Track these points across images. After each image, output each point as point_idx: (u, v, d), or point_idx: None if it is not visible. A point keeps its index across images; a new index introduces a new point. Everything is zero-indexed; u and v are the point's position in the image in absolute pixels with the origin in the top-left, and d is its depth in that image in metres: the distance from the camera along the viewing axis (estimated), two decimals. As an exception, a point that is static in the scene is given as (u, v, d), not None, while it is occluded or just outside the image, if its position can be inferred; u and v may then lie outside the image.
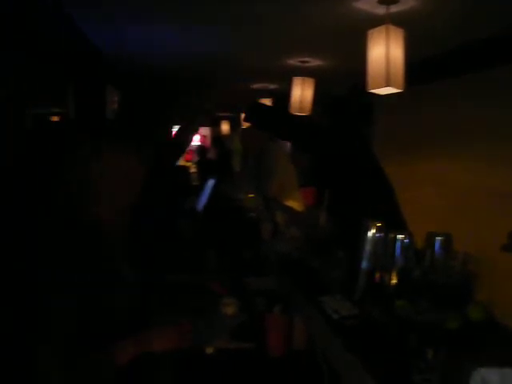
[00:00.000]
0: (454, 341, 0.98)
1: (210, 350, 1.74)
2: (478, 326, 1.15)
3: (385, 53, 2.32)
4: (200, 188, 4.67)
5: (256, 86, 5.59)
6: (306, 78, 3.94)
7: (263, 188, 3.47)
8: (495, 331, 1.19)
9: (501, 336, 1.17)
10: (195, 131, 4.66)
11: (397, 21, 2.39)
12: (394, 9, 2.44)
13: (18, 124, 3.29)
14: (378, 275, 1.49)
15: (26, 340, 1.10)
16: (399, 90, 2.40)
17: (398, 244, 1.45)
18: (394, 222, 1.58)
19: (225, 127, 9.12)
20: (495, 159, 3.33)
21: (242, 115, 6.61)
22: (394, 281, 1.44)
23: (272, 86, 5.52)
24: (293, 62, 4.05)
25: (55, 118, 8.74)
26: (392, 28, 2.35)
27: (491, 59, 3.29)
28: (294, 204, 3.56)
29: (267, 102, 5.39)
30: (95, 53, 4.05)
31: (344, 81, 3.88)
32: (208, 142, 11.25)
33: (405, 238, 1.44)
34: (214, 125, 9.85)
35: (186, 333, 1.36)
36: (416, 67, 3.43)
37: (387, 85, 2.35)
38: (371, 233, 1.48)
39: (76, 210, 1.24)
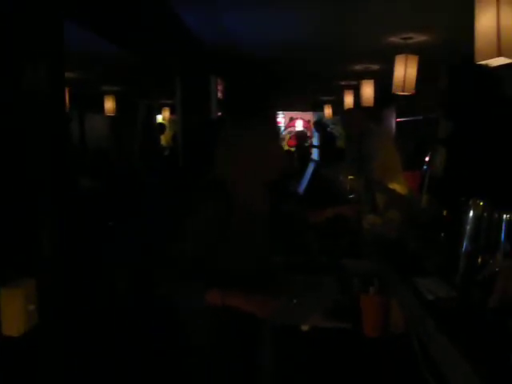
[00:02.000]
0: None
1: (305, 328, 1.77)
2: None
3: (495, 20, 2.14)
4: (301, 172, 4.71)
5: (358, 67, 5.46)
6: (409, 55, 3.77)
7: (365, 170, 3.40)
8: None
9: None
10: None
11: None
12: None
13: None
14: (480, 258, 1.40)
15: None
16: (512, 61, 2.20)
17: (504, 224, 1.35)
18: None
19: (327, 111, 9.03)
20: None
21: (346, 97, 6.49)
22: (498, 265, 1.35)
23: (374, 67, 5.36)
24: (395, 39, 3.90)
25: (167, 109, 9.25)
26: (504, -9, 2.15)
27: None
28: (397, 187, 3.45)
29: (369, 83, 5.25)
30: (198, 43, 4.24)
31: (450, 56, 3.63)
32: (311, 126, 11.24)
33: (511, 218, 1.34)
34: (317, 109, 9.80)
35: (268, 306, 1.51)
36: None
37: (499, 55, 2.16)
38: (473, 212, 1.40)
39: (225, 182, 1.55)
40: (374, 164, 3.63)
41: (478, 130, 2.03)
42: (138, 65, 4.68)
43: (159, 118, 10.09)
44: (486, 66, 2.17)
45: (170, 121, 9.62)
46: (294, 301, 1.93)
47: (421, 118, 6.15)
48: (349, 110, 4.75)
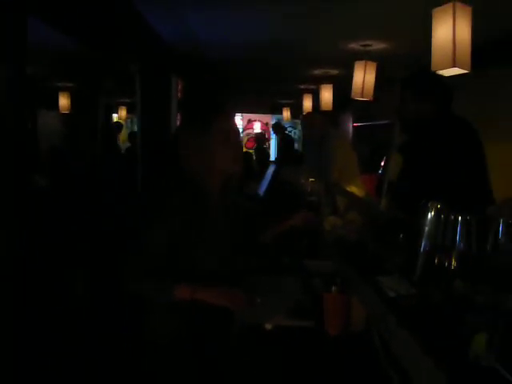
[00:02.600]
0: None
1: (268, 326, 1.80)
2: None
3: (451, 32, 2.25)
4: (260, 174, 4.75)
5: (317, 71, 5.57)
6: (368, 61, 3.88)
7: (324, 173, 3.48)
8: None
9: None
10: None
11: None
12: (461, -14, 2.35)
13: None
14: (437, 257, 1.47)
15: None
16: (466, 71, 2.32)
17: (459, 225, 1.43)
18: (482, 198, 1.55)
19: (286, 114, 9.13)
20: None
21: (305, 100, 6.58)
22: (454, 264, 1.43)
23: (333, 72, 5.48)
24: (355, 45, 4.01)
25: (123, 108, 9.09)
26: (459, 6, 2.27)
27: None
28: (355, 190, 3.54)
29: (328, 88, 5.37)
30: (159, 41, 4.20)
31: (407, 64, 3.78)
32: (269, 129, 11.33)
33: (466, 220, 1.41)
34: (276, 112, 9.90)
35: (239, 299, 1.58)
36: (482, 49, 3.28)
37: (454, 65, 2.28)
38: (431, 214, 1.47)
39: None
40: (333, 167, 3.72)
41: (430, 143, 2.14)
42: (96, 62, 4.58)
43: (115, 117, 9.89)
44: (435, 80, 2.26)
45: (126, 120, 9.48)
46: (258, 300, 1.96)
47: (377, 123, 6.34)
48: (309, 113, 4.83)
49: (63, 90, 6.34)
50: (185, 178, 1.60)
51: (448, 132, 2.11)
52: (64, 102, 6.42)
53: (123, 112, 9.00)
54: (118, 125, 8.42)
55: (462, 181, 1.96)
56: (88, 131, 5.41)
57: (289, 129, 11.41)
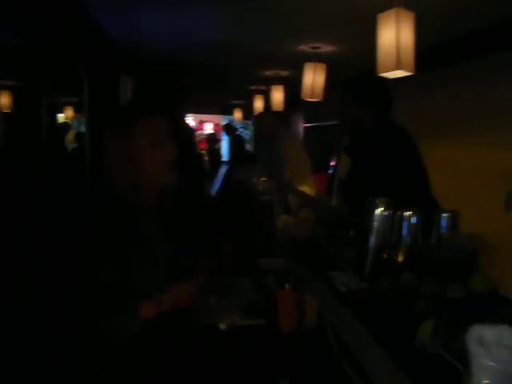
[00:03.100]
0: (455, 309, 1.03)
1: (223, 326, 1.81)
2: (479, 297, 1.19)
3: (394, 36, 2.33)
4: (212, 174, 4.75)
5: (268, 73, 5.62)
6: (317, 63, 3.96)
7: (276, 172, 3.52)
8: (496, 302, 1.23)
9: (501, 306, 1.22)
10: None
11: (408, 4, 2.40)
12: (404, -8, 2.45)
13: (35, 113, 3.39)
14: (385, 252, 1.53)
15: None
16: (410, 73, 2.41)
17: (405, 221, 1.49)
18: (423, 198, 1.62)
19: (237, 115, 9.14)
20: (497, 144, 3.35)
21: (256, 101, 6.62)
22: (401, 258, 1.49)
23: (284, 73, 5.55)
24: (304, 47, 4.07)
25: (70, 108, 8.81)
26: (402, 11, 2.36)
27: (505, 43, 3.28)
28: (306, 189, 3.61)
29: (279, 89, 5.43)
30: (108, 40, 4.11)
31: (355, 66, 3.88)
32: (220, 129, 11.32)
33: (411, 216, 1.48)
34: (227, 112, 9.89)
35: (193, 292, 1.49)
36: (427, 52, 3.44)
37: (398, 68, 2.36)
38: (379, 210, 1.53)
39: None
40: (285, 166, 3.78)
41: (371, 147, 2.22)
42: (40, 59, 4.41)
43: (61, 117, 9.55)
44: (376, 85, 2.34)
45: (73, 120, 9.16)
46: (212, 300, 1.96)
47: (327, 123, 6.47)
48: (260, 114, 4.87)
49: (4, 88, 6.08)
50: (111, 197, 1.41)
51: (387, 137, 2.20)
52: (5, 100, 6.16)
53: (70, 112, 8.72)
54: (65, 125, 8.15)
55: (404, 185, 2.04)
56: (31, 131, 5.20)
57: (240, 129, 11.45)
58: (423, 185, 2.18)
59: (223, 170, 4.21)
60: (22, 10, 2.31)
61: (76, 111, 8.91)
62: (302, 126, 7.87)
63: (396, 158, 2.13)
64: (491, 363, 0.68)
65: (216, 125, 12.46)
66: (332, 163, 2.57)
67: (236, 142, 8.54)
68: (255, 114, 6.47)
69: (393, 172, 2.08)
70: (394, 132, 2.24)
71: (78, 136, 7.62)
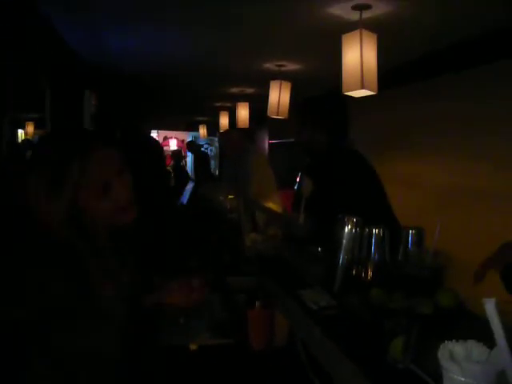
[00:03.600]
0: (424, 324, 1.05)
1: (193, 347, 1.78)
2: (447, 311, 1.22)
3: (359, 57, 2.41)
4: (178, 190, 4.71)
5: (233, 90, 5.66)
6: (283, 81, 4.02)
7: (242, 189, 3.53)
8: (463, 316, 1.27)
9: (467, 320, 1.26)
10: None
11: (370, 26, 2.49)
12: (367, 14, 2.54)
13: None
14: (355, 269, 1.56)
15: None
16: (373, 93, 2.49)
17: (374, 238, 1.53)
18: (381, 218, 1.65)
19: (202, 131, 9.15)
20: (466, 160, 3.48)
21: (221, 118, 6.64)
22: (370, 273, 1.52)
23: (249, 90, 5.61)
24: (270, 65, 4.14)
25: (31, 124, 8.62)
26: (365, 33, 2.44)
27: (462, 61, 3.44)
28: (272, 205, 3.63)
29: (244, 106, 5.48)
30: (72, 56, 4.05)
31: (320, 84, 3.97)
32: (184, 146, 11.29)
33: (379, 233, 1.51)
34: (192, 129, 9.89)
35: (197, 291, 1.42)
36: (389, 72, 3.56)
37: (362, 87, 2.44)
38: (347, 228, 1.55)
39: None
40: (251, 182, 3.79)
41: (327, 172, 2.26)
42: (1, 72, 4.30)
43: (21, 133, 9.30)
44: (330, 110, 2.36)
45: (34, 136, 8.94)
46: (181, 320, 1.93)
47: (292, 140, 6.55)
48: (227, 130, 4.89)
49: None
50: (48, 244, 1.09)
51: (338, 161, 2.24)
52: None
53: (30, 128, 8.50)
54: (29, 143, 7.91)
55: (361, 205, 2.07)
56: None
57: (205, 146, 11.45)
58: (380, 204, 2.21)
59: (189, 186, 4.18)
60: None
61: (36, 127, 8.70)
62: (267, 142, 7.94)
63: (351, 185, 2.16)
64: (462, 378, 0.70)
65: (181, 141, 12.42)
66: (297, 179, 2.60)
67: (200, 159, 8.52)
68: (221, 130, 6.50)
69: (348, 193, 2.12)
70: (344, 155, 2.27)
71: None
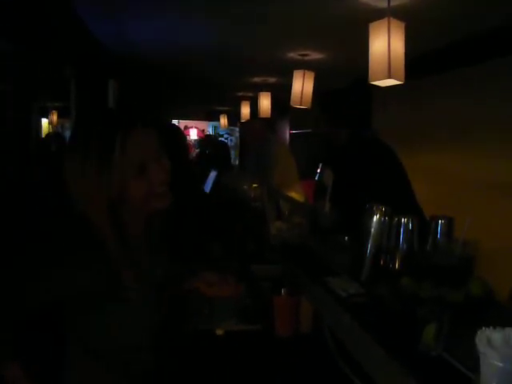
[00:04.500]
0: (456, 313, 1.06)
1: (219, 332, 1.81)
2: (477, 300, 1.22)
3: (386, 45, 2.39)
4: (201, 179, 4.73)
5: (256, 79, 5.66)
6: (306, 70, 4.00)
7: (265, 179, 3.54)
8: (493, 304, 1.27)
9: (497, 308, 1.26)
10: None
11: (397, 14, 2.46)
12: (395, 2, 2.51)
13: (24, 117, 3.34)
14: (383, 258, 1.56)
15: None
16: (400, 82, 2.47)
17: (402, 228, 1.52)
18: (405, 208, 1.64)
19: (223, 121, 9.16)
20: (492, 152, 3.42)
21: (243, 108, 6.64)
22: (398, 263, 1.52)
23: (272, 80, 5.59)
24: (293, 55, 4.12)
25: (55, 113, 8.73)
26: (393, 21, 2.41)
27: (491, 52, 3.37)
28: (295, 195, 3.64)
29: (267, 95, 5.47)
30: (97, 46, 4.09)
31: (344, 74, 3.94)
32: (205, 135, 11.33)
33: (408, 222, 1.51)
34: (213, 118, 9.91)
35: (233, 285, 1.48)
36: (414, 61, 3.51)
37: (389, 77, 2.42)
38: (376, 217, 1.55)
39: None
40: (274, 173, 3.80)
41: (347, 165, 2.25)
42: (28, 62, 4.37)
43: (45, 122, 9.45)
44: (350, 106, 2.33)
45: (57, 125, 9.08)
46: (206, 311, 1.97)
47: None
48: (249, 120, 4.90)
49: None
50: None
51: (361, 156, 2.23)
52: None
53: (54, 116, 8.62)
54: (58, 136, 7.95)
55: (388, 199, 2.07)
56: (21, 136, 5.13)
57: (225, 135, 11.48)
58: (404, 193, 2.20)
59: (213, 174, 4.20)
60: (9, 12, 2.29)
61: (59, 116, 8.82)
62: (288, 132, 7.92)
63: (372, 176, 2.15)
64: (501, 364, 0.71)
65: (201, 131, 12.45)
66: (318, 170, 2.59)
67: (218, 150, 8.53)
68: (242, 120, 6.50)
69: (372, 183, 2.11)
70: (367, 144, 2.25)
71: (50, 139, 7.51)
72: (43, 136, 8.62)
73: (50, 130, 9.29)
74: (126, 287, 1.12)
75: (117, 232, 1.12)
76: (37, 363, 1.20)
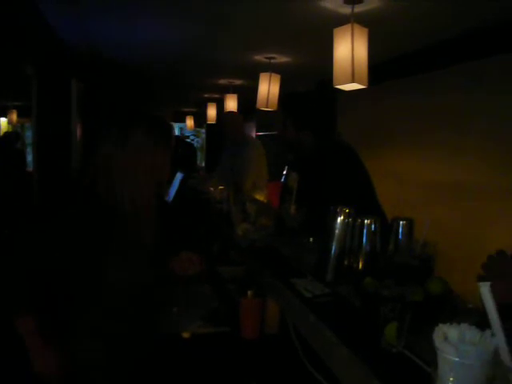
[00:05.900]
0: (416, 311, 1.09)
1: (186, 335, 1.81)
2: (436, 298, 1.27)
3: (350, 51, 2.44)
4: (168, 181, 4.69)
5: (222, 81, 5.66)
6: (272, 73, 4.03)
7: (237, 180, 3.54)
8: (451, 302, 1.32)
9: (456, 305, 1.31)
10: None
11: (361, 20, 2.52)
12: (358, 8, 2.56)
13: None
14: (346, 258, 1.59)
15: None
16: (363, 87, 2.53)
17: (365, 229, 1.56)
18: (368, 209, 1.68)
19: (189, 122, 9.12)
20: (450, 155, 3.54)
21: (209, 109, 6.59)
22: (361, 263, 1.55)
23: (238, 82, 5.60)
24: (259, 58, 4.14)
25: (14, 112, 8.48)
26: (357, 27, 2.47)
27: (452, 59, 3.49)
28: (259, 197, 3.66)
29: (233, 97, 5.47)
30: (59, 44, 4.00)
31: (310, 78, 4.00)
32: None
33: (371, 223, 1.55)
34: (179, 120, 9.83)
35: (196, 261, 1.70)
36: (379, 66, 3.60)
37: (352, 81, 2.47)
38: (340, 218, 1.59)
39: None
40: (250, 174, 3.80)
41: (313, 168, 2.28)
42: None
43: (3, 121, 9.18)
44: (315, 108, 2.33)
45: (16, 125, 8.84)
46: (175, 309, 1.96)
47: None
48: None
49: None
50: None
51: (326, 156, 2.26)
52: None
53: (14, 116, 8.37)
54: (15, 135, 7.76)
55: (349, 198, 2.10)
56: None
57: (191, 137, 11.41)
58: (366, 195, 2.24)
59: (179, 176, 4.17)
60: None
61: (19, 115, 8.57)
62: (254, 134, 7.96)
63: (336, 171, 2.19)
64: (457, 359, 0.74)
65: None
66: (284, 172, 2.62)
67: (185, 151, 8.49)
68: (209, 121, 6.48)
69: (335, 184, 2.15)
70: (331, 147, 2.29)
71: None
72: (1, 134, 8.39)
73: (10, 130, 9.02)
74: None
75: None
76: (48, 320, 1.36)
